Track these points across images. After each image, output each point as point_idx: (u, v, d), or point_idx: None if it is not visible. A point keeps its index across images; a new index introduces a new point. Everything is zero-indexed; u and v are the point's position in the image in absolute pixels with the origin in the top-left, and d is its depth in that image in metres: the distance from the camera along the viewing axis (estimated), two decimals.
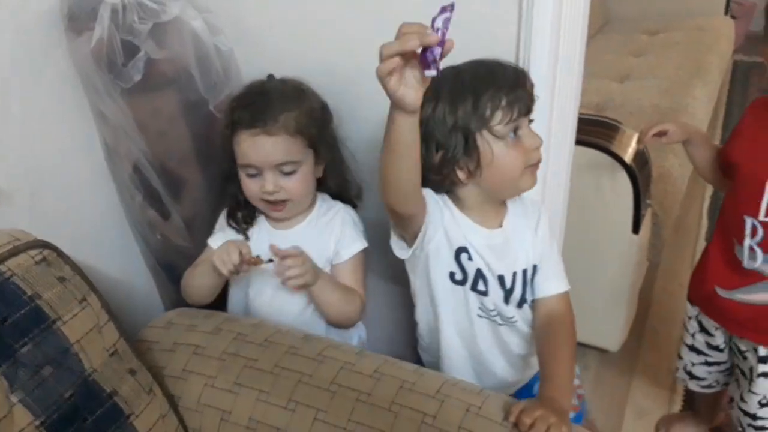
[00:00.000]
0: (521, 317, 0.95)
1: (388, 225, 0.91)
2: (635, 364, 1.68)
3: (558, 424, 0.72)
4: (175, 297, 1.12)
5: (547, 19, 0.89)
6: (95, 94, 0.99)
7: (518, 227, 0.93)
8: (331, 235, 1.01)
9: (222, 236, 1.01)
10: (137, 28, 0.94)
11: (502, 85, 0.82)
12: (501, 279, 0.91)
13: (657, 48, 2.47)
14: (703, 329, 1.24)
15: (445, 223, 0.88)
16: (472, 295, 0.92)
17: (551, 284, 0.94)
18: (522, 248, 0.92)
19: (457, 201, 0.90)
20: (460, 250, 0.89)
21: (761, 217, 1.00)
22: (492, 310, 0.93)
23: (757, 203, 1.00)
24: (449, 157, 0.83)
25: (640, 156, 1.43)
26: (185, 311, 1.00)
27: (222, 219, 1.05)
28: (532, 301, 0.95)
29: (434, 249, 0.89)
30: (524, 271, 0.93)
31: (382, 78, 0.64)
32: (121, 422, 0.77)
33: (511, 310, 0.94)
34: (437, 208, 0.88)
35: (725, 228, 1.10)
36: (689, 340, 1.29)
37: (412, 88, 0.66)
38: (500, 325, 0.95)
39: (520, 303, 0.94)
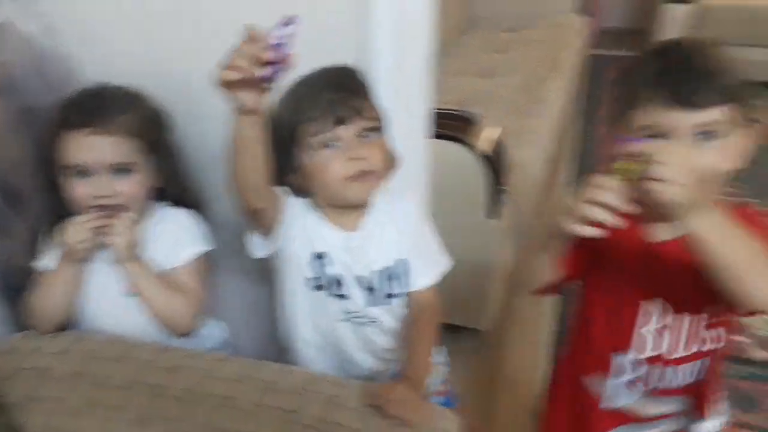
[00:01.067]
0: (389, 314, 0.95)
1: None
2: (506, 340, 1.78)
3: (415, 402, 0.76)
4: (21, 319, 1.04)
5: (387, 27, 0.91)
6: None
7: (380, 225, 0.92)
8: (164, 242, 0.97)
9: (56, 253, 0.94)
10: None
11: (320, 97, 0.82)
12: (360, 280, 0.91)
13: (518, 45, 2.62)
14: None
15: (304, 228, 0.88)
16: (333, 300, 0.91)
17: (419, 279, 0.95)
18: (382, 247, 0.92)
19: (315, 205, 0.90)
20: (318, 256, 0.89)
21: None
22: (355, 312, 0.93)
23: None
24: (283, 163, 0.84)
25: (497, 146, 1.51)
26: (30, 334, 0.93)
27: (47, 238, 0.98)
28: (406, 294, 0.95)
29: (292, 254, 0.89)
30: (387, 269, 0.92)
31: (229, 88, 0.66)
32: None
33: (374, 311, 0.93)
34: (296, 212, 0.88)
35: (574, 370, 0.95)
36: None
37: (248, 92, 0.66)
38: (365, 325, 0.94)
39: (388, 299, 0.93)
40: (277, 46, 0.64)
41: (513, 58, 2.49)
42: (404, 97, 1.00)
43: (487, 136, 1.53)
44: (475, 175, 1.45)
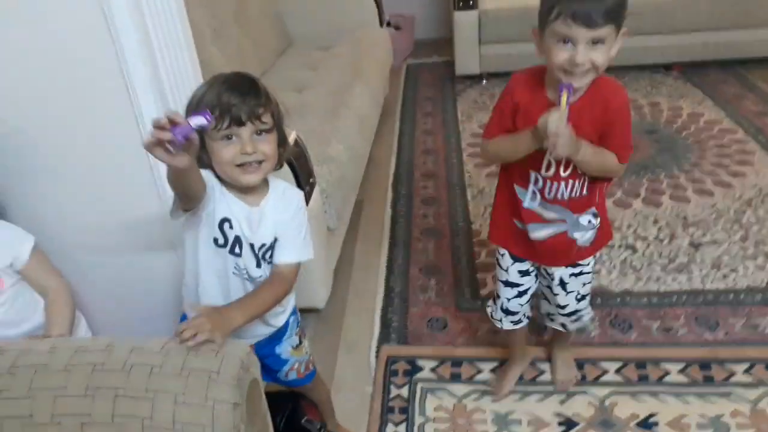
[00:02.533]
0: (265, 276, 1.18)
1: None
2: (342, 312, 2.02)
3: (211, 330, 0.95)
4: None
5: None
6: None
7: (274, 209, 1.15)
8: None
9: None
10: None
11: (225, 101, 1.03)
12: (252, 247, 1.14)
13: (328, 61, 2.92)
14: (515, 260, 1.48)
15: (215, 197, 1.10)
16: (230, 257, 1.13)
17: (282, 255, 1.18)
18: (269, 225, 1.15)
19: (223, 182, 1.11)
20: (224, 220, 1.11)
21: (542, 172, 1.28)
22: (243, 269, 1.15)
23: (539, 162, 1.27)
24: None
25: (296, 146, 1.74)
26: None
27: None
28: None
29: (205, 216, 1.10)
30: (271, 243, 1.16)
31: (150, 151, 0.87)
32: None
33: (258, 271, 1.17)
34: (213, 185, 1.09)
35: (510, 179, 1.37)
36: (503, 276, 1.51)
37: (177, 156, 0.89)
38: (249, 281, 1.17)
39: (267, 265, 1.18)
40: (189, 129, 0.88)
41: (323, 72, 2.77)
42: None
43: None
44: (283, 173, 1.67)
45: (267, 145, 1.08)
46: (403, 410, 1.65)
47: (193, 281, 1.18)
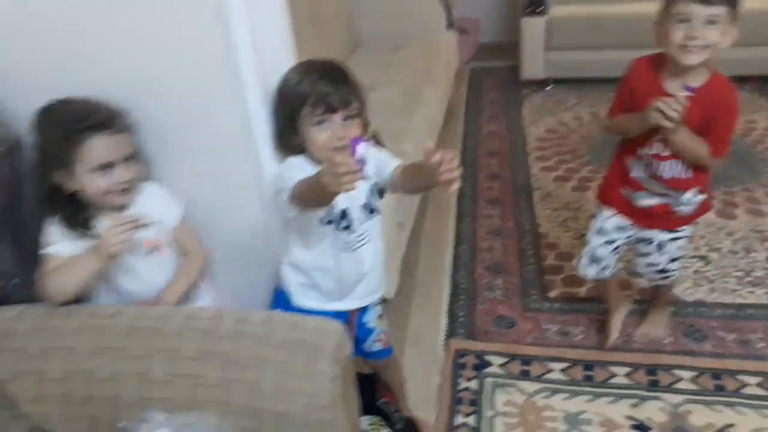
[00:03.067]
0: (373, 230, 1.27)
1: None
2: (408, 306, 2.05)
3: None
4: None
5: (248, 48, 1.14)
6: None
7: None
8: (154, 207, 1.19)
9: (68, 243, 1.11)
10: None
11: (319, 89, 1.11)
12: (361, 204, 1.23)
13: (397, 62, 2.96)
14: (614, 215, 1.65)
15: None
16: (339, 232, 1.21)
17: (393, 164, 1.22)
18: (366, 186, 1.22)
19: (312, 159, 1.18)
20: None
21: (647, 150, 1.49)
22: (354, 236, 1.23)
23: (648, 140, 1.47)
24: (287, 129, 1.16)
25: (375, 141, 1.78)
26: None
27: (53, 228, 1.13)
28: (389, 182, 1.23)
29: None
30: (369, 189, 1.24)
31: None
32: None
33: (366, 226, 1.25)
34: (301, 171, 1.14)
35: (623, 152, 1.58)
36: (599, 224, 1.68)
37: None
38: (358, 249, 1.25)
39: (372, 214, 1.26)
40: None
41: (392, 73, 2.82)
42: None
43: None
44: None
45: (355, 129, 1.16)
46: (472, 402, 1.67)
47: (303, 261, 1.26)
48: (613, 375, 1.73)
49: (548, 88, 3.80)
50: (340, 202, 1.21)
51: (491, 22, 4.51)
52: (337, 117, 1.13)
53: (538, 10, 3.50)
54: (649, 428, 1.56)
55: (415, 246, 2.35)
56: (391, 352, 1.50)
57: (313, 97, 1.11)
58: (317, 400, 0.93)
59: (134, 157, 1.15)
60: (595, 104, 3.51)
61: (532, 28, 3.54)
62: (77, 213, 1.13)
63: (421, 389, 1.72)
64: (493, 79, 4.08)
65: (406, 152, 2.06)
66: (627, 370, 1.74)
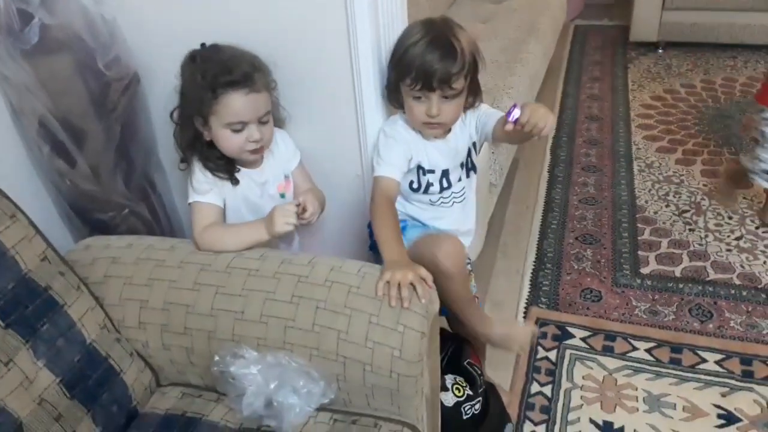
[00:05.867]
0: (469, 188, 1.31)
1: None
2: (490, 270, 2.02)
3: (417, 279, 0.97)
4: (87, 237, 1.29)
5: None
6: None
7: (461, 133, 1.25)
8: (282, 157, 1.24)
9: (218, 191, 1.16)
10: None
11: (425, 66, 1.08)
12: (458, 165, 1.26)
13: (501, 14, 2.85)
14: None
15: (414, 149, 1.20)
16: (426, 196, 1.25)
17: (495, 116, 1.23)
18: (463, 138, 1.25)
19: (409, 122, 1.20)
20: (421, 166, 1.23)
21: None
22: (453, 192, 1.27)
23: None
24: (393, 90, 1.18)
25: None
26: (99, 237, 1.18)
27: (202, 176, 1.15)
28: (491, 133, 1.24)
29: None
30: (468, 150, 1.26)
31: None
32: (56, 310, 0.95)
33: (463, 183, 1.29)
34: (404, 138, 1.19)
35: None
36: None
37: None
38: (453, 205, 1.29)
39: (471, 172, 1.29)
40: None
41: (495, 26, 2.71)
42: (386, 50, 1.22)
43: None
44: None
45: (452, 109, 1.15)
46: (550, 372, 1.64)
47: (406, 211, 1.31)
48: (703, 360, 1.65)
49: (660, 51, 3.54)
50: (439, 163, 1.21)
51: None
52: (435, 96, 1.11)
53: None
54: (739, 420, 1.48)
55: (503, 208, 2.30)
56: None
57: (415, 70, 1.09)
58: (403, 355, 0.93)
59: (269, 116, 1.15)
60: (710, 71, 3.26)
61: None
62: (218, 159, 1.15)
63: (497, 354, 1.69)
64: (599, 39, 3.86)
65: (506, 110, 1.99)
66: (719, 357, 1.65)
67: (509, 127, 1.08)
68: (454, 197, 1.29)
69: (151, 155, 1.41)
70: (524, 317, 1.83)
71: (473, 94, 1.20)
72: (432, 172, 1.23)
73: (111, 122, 1.27)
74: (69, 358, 0.94)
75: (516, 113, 1.07)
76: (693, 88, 3.14)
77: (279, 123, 1.23)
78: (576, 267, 2.02)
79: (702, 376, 1.60)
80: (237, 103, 1.08)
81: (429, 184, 1.25)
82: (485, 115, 1.25)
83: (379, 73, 1.20)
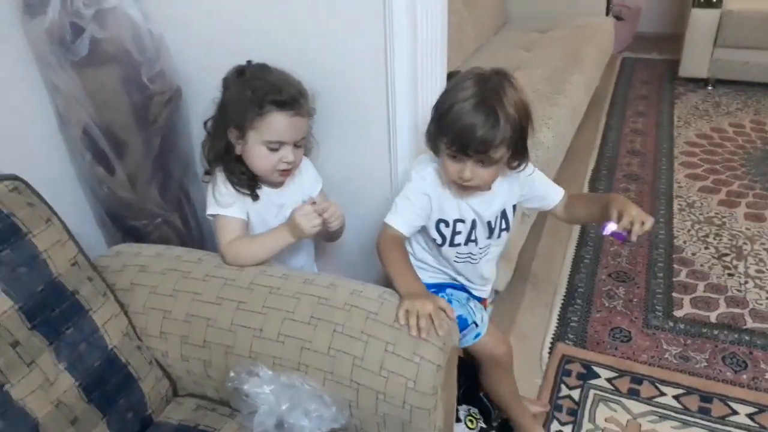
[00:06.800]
0: (496, 246, 1.30)
1: None
2: (519, 301, 1.99)
3: (436, 310, 0.97)
4: (121, 243, 1.32)
5: (404, 25, 1.13)
6: (48, 68, 1.20)
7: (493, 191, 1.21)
8: (304, 184, 1.25)
9: (241, 205, 1.17)
10: (83, 12, 1.15)
11: (465, 132, 1.04)
12: (486, 224, 1.23)
13: (545, 43, 2.83)
14: None
15: (440, 203, 1.18)
16: (452, 249, 1.24)
17: (555, 194, 1.31)
18: (497, 200, 1.22)
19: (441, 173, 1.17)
20: (452, 222, 1.22)
21: None
22: (477, 250, 1.26)
23: None
24: (434, 138, 1.13)
25: None
26: (130, 245, 1.21)
27: (225, 189, 1.16)
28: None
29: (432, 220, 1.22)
30: (504, 210, 1.24)
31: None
32: (82, 314, 0.98)
33: (490, 241, 1.27)
34: (430, 190, 1.18)
35: None
36: None
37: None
38: (478, 261, 1.29)
39: (501, 232, 1.27)
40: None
41: (539, 55, 2.70)
42: (422, 84, 1.23)
43: None
44: None
45: (488, 174, 1.11)
46: (572, 412, 1.60)
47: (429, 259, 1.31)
48: (734, 412, 1.58)
49: (709, 88, 3.47)
50: (468, 214, 1.20)
51: (653, 9, 4.18)
52: (470, 161, 1.08)
53: (712, 2, 3.18)
54: None
55: (535, 239, 2.27)
56: None
57: (454, 133, 1.05)
58: (417, 386, 0.93)
59: (303, 141, 1.17)
60: (760, 112, 3.17)
61: (703, 20, 3.23)
62: (242, 173, 1.17)
63: (520, 388, 1.67)
64: (647, 73, 3.80)
65: (543, 143, 1.98)
66: (752, 410, 1.58)
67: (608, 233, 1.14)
68: (471, 257, 1.28)
69: (188, 167, 1.45)
70: (549, 353, 1.79)
71: (518, 157, 1.13)
72: (462, 221, 1.21)
73: (151, 134, 1.31)
74: (90, 363, 0.96)
75: (611, 227, 1.07)
76: (742, 128, 3.06)
77: (306, 151, 1.24)
78: (607, 305, 1.97)
79: (732, 429, 1.53)
80: (281, 123, 1.10)
81: (456, 233, 1.22)
82: (537, 187, 1.26)
83: (413, 100, 1.21)
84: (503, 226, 1.26)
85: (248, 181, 1.18)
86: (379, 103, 1.22)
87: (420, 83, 1.21)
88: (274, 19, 1.21)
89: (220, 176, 1.17)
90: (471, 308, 1.30)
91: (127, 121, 1.28)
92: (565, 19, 3.07)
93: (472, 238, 1.24)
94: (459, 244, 1.24)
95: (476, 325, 1.29)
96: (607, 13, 3.22)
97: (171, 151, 1.37)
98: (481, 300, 1.39)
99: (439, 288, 1.32)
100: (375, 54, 1.16)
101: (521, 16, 3.25)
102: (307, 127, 1.17)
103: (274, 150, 1.12)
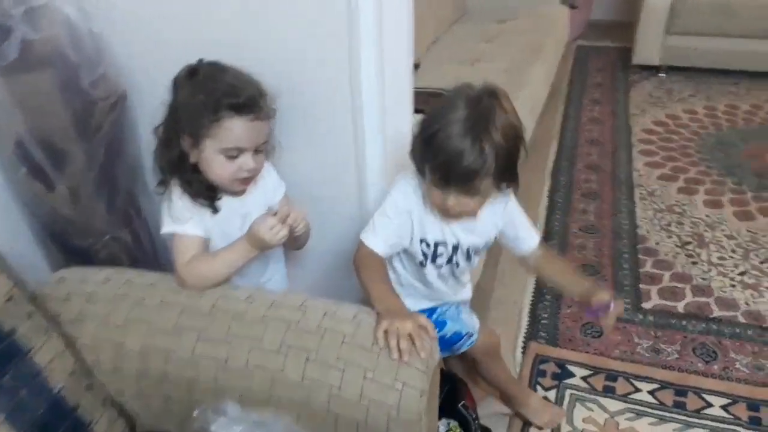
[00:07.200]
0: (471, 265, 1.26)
1: None
2: (487, 302, 1.95)
3: (416, 330, 0.90)
4: (65, 265, 1.21)
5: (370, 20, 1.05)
6: None
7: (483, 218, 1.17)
8: (267, 189, 1.15)
9: (199, 220, 1.06)
10: (10, 11, 1.03)
11: (451, 166, 0.98)
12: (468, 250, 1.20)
13: (505, 35, 2.79)
14: None
15: (423, 223, 1.13)
16: (435, 269, 1.20)
17: (530, 240, 1.26)
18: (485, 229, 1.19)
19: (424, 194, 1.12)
20: (436, 243, 1.17)
21: None
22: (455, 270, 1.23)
23: None
24: (421, 160, 1.07)
25: None
26: (75, 269, 1.10)
27: (181, 203, 1.06)
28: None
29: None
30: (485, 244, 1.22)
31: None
32: (21, 357, 0.87)
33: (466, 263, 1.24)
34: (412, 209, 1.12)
35: None
36: None
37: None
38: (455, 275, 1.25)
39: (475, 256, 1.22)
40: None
41: (498, 46, 2.66)
42: (390, 80, 1.15)
43: None
44: None
45: (473, 203, 1.05)
46: None
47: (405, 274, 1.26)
48: (709, 405, 1.58)
49: (663, 75, 3.50)
50: (448, 241, 1.17)
51: None
52: (454, 191, 1.02)
53: None
54: None
55: None
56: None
57: (437, 160, 0.99)
58: (401, 415, 0.86)
59: (265, 145, 1.07)
60: (713, 98, 3.21)
61: (654, 8, 3.25)
62: (201, 183, 1.06)
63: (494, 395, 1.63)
64: (601, 61, 3.82)
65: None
66: (725, 401, 1.58)
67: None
68: (453, 275, 1.25)
69: (137, 179, 1.34)
70: (523, 352, 1.76)
71: (507, 180, 1.06)
72: (443, 244, 1.17)
73: (95, 144, 1.19)
74: (33, 411, 0.85)
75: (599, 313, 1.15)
76: (695, 114, 3.10)
77: (266, 155, 1.13)
78: (577, 300, 1.94)
79: (708, 422, 1.53)
80: (239, 129, 1.00)
81: (437, 255, 1.18)
82: (513, 221, 1.21)
83: (381, 104, 1.13)
84: (476, 254, 1.23)
85: (207, 192, 1.07)
86: (343, 102, 1.13)
87: (386, 86, 1.13)
88: (229, 12, 1.11)
89: (175, 189, 1.07)
90: (464, 320, 1.27)
91: (66, 130, 1.16)
92: (522, 8, 3.04)
93: (453, 261, 1.20)
94: (441, 265, 1.21)
95: (470, 335, 1.26)
96: (562, 2, 3.20)
97: (117, 161, 1.26)
98: (466, 302, 1.38)
99: (429, 312, 1.27)
100: (337, 49, 1.08)
101: (479, 6, 3.20)
102: (268, 130, 1.07)
103: (232, 158, 1.02)
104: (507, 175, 1.03)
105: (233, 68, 1.04)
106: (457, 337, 1.25)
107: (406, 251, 1.19)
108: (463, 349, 1.28)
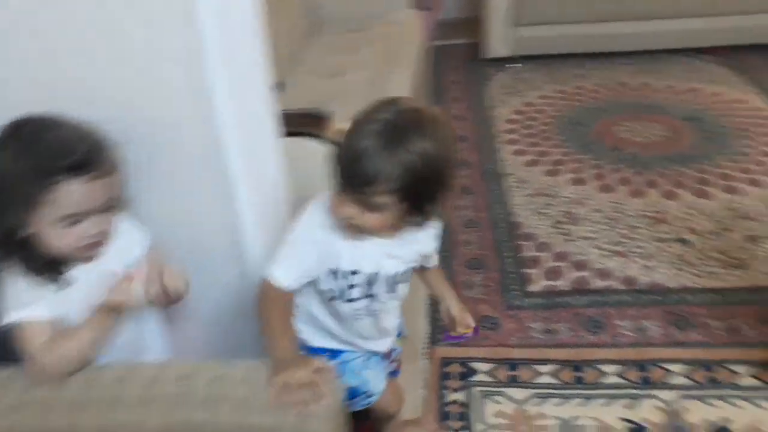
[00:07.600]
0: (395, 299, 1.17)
1: None
2: None
3: (312, 376, 0.86)
4: None
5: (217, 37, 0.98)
6: None
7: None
8: (124, 246, 1.02)
9: (50, 298, 0.92)
10: None
11: (348, 165, 0.92)
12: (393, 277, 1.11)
13: (363, 44, 2.80)
14: None
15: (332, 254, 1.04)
16: (347, 304, 1.10)
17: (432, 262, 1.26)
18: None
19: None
20: (353, 272, 1.07)
21: None
22: (377, 304, 1.13)
23: None
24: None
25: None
26: None
27: (24, 285, 0.92)
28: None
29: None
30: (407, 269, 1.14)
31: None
32: None
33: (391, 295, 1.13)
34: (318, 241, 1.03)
35: None
36: None
37: None
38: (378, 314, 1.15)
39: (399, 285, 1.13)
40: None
41: (357, 56, 2.66)
42: (247, 105, 1.10)
43: (338, 129, 1.67)
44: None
45: (373, 219, 0.96)
46: (462, 416, 1.58)
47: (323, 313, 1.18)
48: (604, 374, 1.67)
49: (518, 66, 3.67)
50: (363, 269, 1.07)
51: None
52: (351, 196, 0.94)
53: None
54: (646, 429, 1.51)
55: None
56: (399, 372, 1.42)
57: (340, 160, 0.93)
58: None
59: (112, 201, 0.94)
60: (563, 82, 3.43)
61: (497, 2, 3.41)
62: (41, 258, 0.92)
63: (406, 404, 1.61)
64: (455, 58, 3.95)
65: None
66: (617, 368, 1.68)
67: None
68: (370, 312, 1.14)
69: None
70: (428, 359, 1.76)
71: (416, 209, 0.97)
72: (356, 273, 1.06)
73: None
74: None
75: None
76: (549, 98, 3.29)
77: (122, 205, 1.01)
78: (468, 295, 1.99)
79: (605, 391, 1.62)
80: (78, 193, 0.87)
81: (351, 286, 1.07)
82: (431, 253, 1.21)
83: (242, 131, 1.06)
84: (404, 279, 1.14)
85: (51, 265, 0.93)
86: (201, 135, 1.03)
87: (246, 106, 1.08)
88: (65, 51, 0.98)
89: (11, 273, 0.92)
90: (365, 377, 1.21)
91: None
92: (376, 16, 3.06)
93: (371, 293, 1.09)
94: (355, 298, 1.09)
95: (369, 396, 1.21)
96: (411, 6, 3.26)
97: None
98: (383, 355, 1.29)
99: (333, 353, 1.19)
100: (183, 80, 0.99)
101: (333, 17, 3.18)
102: (117, 182, 0.95)
103: (73, 226, 0.90)
104: (415, 201, 0.95)
105: (66, 122, 0.91)
106: (352, 393, 1.18)
107: (316, 286, 1.10)
108: (357, 407, 1.20)
